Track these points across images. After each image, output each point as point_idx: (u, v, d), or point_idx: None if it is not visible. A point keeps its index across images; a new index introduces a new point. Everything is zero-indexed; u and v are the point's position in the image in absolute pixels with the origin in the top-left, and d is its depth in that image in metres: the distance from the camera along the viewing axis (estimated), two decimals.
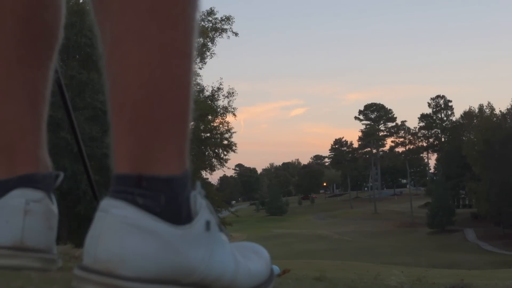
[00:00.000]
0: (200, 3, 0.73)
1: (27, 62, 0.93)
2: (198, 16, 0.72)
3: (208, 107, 29.82)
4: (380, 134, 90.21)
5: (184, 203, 0.70)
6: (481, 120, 61.73)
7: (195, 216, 0.71)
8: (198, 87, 30.55)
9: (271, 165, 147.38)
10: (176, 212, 0.69)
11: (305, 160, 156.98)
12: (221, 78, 42.32)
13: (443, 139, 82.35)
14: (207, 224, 0.72)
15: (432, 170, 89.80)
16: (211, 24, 30.80)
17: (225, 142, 31.27)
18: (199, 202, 0.72)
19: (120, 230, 0.66)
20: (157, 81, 0.68)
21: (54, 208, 0.94)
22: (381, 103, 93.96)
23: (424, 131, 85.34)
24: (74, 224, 19.91)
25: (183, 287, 0.70)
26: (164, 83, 0.69)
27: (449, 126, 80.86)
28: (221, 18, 30.96)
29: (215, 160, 31.37)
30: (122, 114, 0.69)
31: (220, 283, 0.73)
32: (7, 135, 0.92)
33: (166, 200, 0.69)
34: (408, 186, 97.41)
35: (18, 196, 0.88)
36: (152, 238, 0.67)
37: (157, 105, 0.68)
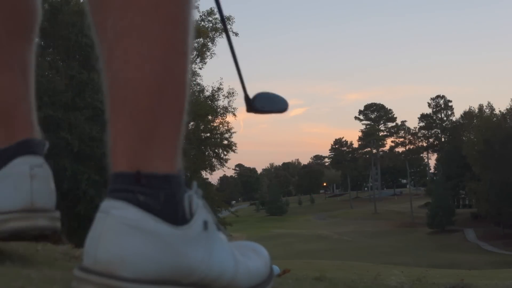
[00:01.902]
0: (194, 4, 0.74)
1: (16, 35, 0.99)
2: (194, 17, 0.74)
3: (208, 107, 29.79)
4: (380, 134, 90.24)
5: (181, 202, 0.70)
6: (481, 120, 61.73)
7: (193, 216, 0.71)
8: (198, 87, 30.54)
9: (271, 165, 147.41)
10: (174, 212, 0.69)
11: (305, 160, 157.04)
12: (221, 78, 42.17)
13: (443, 139, 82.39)
14: (205, 224, 0.72)
15: (432, 170, 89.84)
16: (211, 24, 30.82)
17: (225, 142, 31.25)
18: (196, 202, 0.72)
19: (121, 231, 0.67)
20: (157, 77, 0.69)
21: (50, 172, 1.02)
22: (381, 103, 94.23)
23: (424, 131, 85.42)
24: (74, 224, 19.89)
25: None
26: (164, 80, 0.70)
27: (449, 126, 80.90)
28: None
29: (215, 160, 31.35)
30: (123, 109, 0.69)
31: (220, 282, 0.73)
32: (4, 102, 0.97)
33: (165, 198, 0.69)
34: (408, 186, 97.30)
35: (22, 163, 0.94)
36: (152, 239, 0.67)
37: (157, 101, 0.69)
